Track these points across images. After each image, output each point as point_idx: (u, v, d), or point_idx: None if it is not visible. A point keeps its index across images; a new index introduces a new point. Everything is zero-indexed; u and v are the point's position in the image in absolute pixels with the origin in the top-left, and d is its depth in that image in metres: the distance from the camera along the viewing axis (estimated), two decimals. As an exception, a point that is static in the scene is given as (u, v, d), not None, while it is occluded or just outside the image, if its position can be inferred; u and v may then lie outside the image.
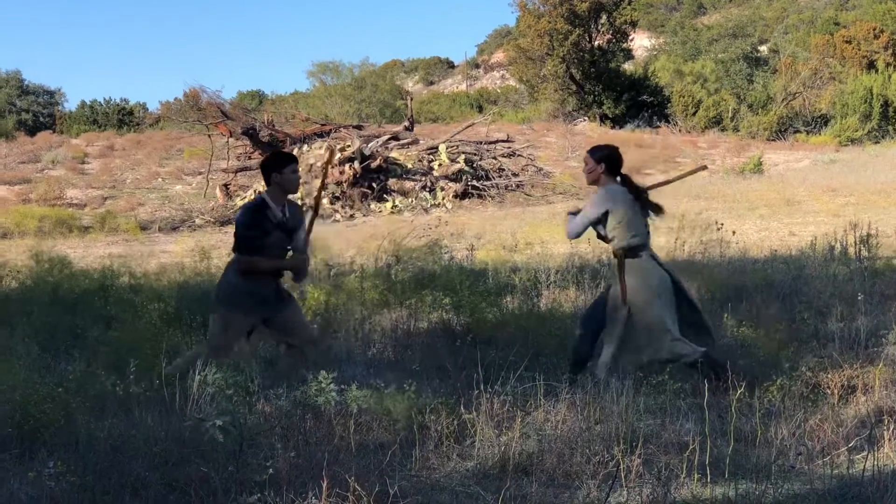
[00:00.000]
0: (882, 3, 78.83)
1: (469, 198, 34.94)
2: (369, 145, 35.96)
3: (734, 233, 16.90)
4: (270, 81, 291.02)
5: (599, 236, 8.91)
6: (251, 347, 9.00)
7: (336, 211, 32.10)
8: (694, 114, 62.97)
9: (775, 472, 6.16)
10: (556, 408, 7.29)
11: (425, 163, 36.38)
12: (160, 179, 40.30)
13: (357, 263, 14.51)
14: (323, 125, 41.23)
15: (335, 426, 6.89)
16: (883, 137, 57.27)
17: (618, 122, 62.18)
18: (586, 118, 62.90)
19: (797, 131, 61.15)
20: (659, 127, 60.04)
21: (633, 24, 68.82)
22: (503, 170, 37.32)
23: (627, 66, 73.55)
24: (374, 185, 33.83)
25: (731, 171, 41.10)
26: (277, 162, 8.68)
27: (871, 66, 67.74)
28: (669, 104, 64.83)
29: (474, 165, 36.54)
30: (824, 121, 62.38)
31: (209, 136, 40.13)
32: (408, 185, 34.60)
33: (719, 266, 14.56)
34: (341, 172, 33.32)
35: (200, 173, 39.34)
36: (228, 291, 8.50)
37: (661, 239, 17.54)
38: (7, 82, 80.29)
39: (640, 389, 7.73)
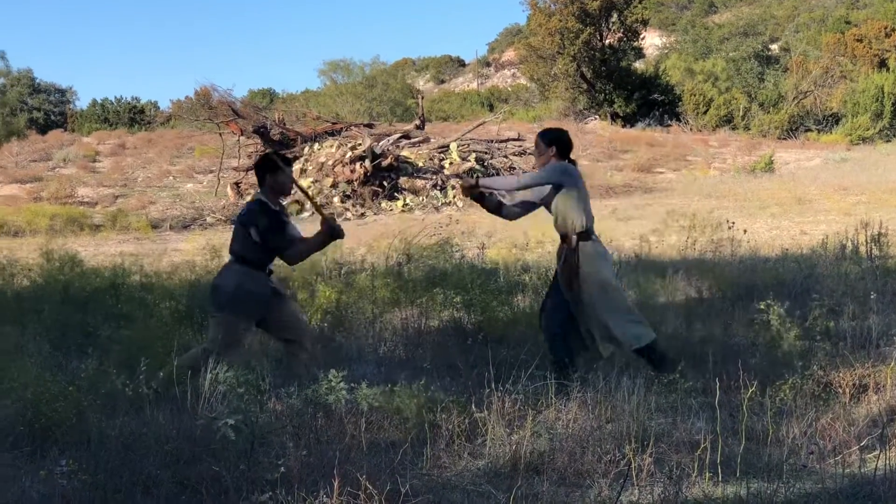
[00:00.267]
0: (893, 2, 78.67)
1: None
2: (380, 144, 36.00)
3: (745, 231, 16.88)
4: (281, 80, 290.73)
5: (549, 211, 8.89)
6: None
7: (347, 209, 32.10)
8: (705, 112, 62.84)
9: (787, 471, 6.15)
10: (567, 406, 7.28)
11: (436, 161, 36.38)
12: (171, 178, 40.36)
13: (368, 262, 14.53)
14: (334, 123, 41.26)
15: (346, 425, 6.89)
16: (894, 136, 57.09)
17: (629, 120, 62.06)
18: (597, 117, 62.78)
19: (808, 130, 61.02)
20: (670, 125, 59.89)
21: (644, 23, 68.65)
22: (514, 168, 37.26)
23: (638, 65, 73.45)
24: (384, 183, 33.83)
25: (742, 170, 41.07)
26: (271, 165, 8.78)
27: (883, 64, 67.53)
28: (680, 103, 64.69)
29: (485, 164, 36.51)
30: (835, 119, 62.20)
31: (220, 134, 40.16)
32: (419, 183, 34.59)
33: (730, 265, 14.53)
34: (352, 171, 33.34)
35: (211, 171, 39.38)
36: (229, 295, 8.54)
37: (673, 237, 17.58)
38: (19, 81, 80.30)
39: (651, 388, 7.71)
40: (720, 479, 5.97)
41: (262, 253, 8.61)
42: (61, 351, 9.52)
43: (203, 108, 43.27)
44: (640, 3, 66.20)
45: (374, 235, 21.09)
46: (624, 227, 23.10)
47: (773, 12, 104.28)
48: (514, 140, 40.44)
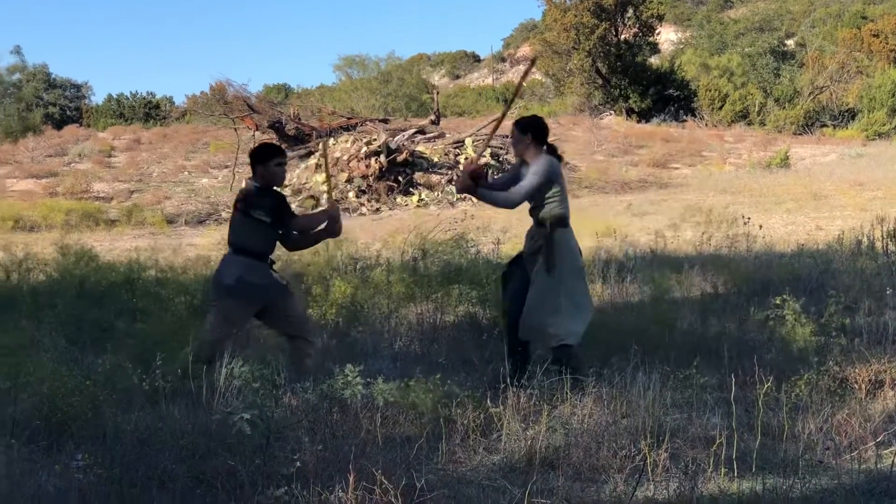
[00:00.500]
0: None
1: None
2: (395, 139, 35.99)
3: (761, 227, 16.86)
4: (296, 75, 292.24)
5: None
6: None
7: (362, 204, 32.09)
8: (720, 108, 62.72)
9: (803, 466, 6.15)
10: (582, 402, 7.29)
11: (451, 156, 36.34)
12: (186, 173, 40.37)
13: (383, 257, 14.53)
14: (349, 119, 41.32)
15: (362, 419, 6.90)
16: (911, 131, 56.98)
17: (644, 115, 61.97)
18: (612, 112, 62.77)
19: (824, 125, 60.89)
20: (685, 121, 59.82)
21: (660, 18, 68.56)
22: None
23: (654, 60, 73.38)
24: (400, 178, 33.80)
25: (757, 166, 40.96)
26: (263, 155, 8.75)
27: (899, 59, 67.47)
28: (696, 98, 64.58)
29: (500, 159, 36.45)
30: (851, 115, 62.03)
31: (235, 129, 40.16)
32: (434, 178, 34.56)
33: (746, 260, 14.51)
34: (367, 166, 33.33)
35: (227, 167, 39.37)
36: (230, 287, 8.54)
37: (688, 233, 17.56)
38: (34, 76, 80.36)
39: (666, 383, 7.71)
40: (735, 474, 5.96)
41: (262, 242, 8.59)
42: (77, 345, 9.52)
43: (218, 104, 43.36)
44: (655, -2, 66.23)
45: (389, 231, 21.10)
46: (639, 223, 23.08)
47: (788, 7, 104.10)
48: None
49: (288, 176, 29.87)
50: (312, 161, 34.66)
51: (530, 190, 8.59)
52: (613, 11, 63.93)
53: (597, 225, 18.89)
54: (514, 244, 17.26)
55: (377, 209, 32.10)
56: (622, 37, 65.63)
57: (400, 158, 34.16)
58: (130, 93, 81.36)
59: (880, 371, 8.28)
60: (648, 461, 5.98)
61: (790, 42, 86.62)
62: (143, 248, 17.13)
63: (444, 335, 10.32)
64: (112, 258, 16.07)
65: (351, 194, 32.43)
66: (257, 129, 38.43)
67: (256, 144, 9.33)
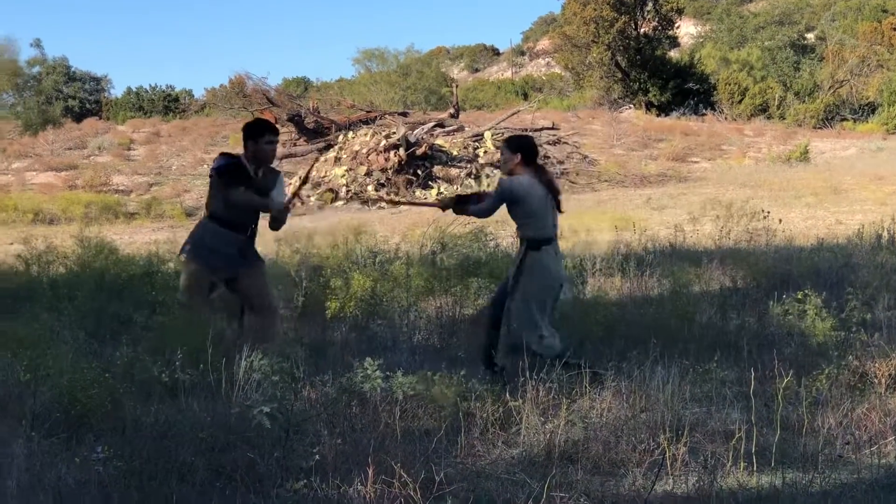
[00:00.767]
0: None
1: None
2: (414, 132, 35.95)
3: (780, 221, 16.83)
4: (316, 68, 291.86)
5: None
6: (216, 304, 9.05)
7: (381, 198, 32.08)
8: (740, 101, 62.64)
9: (822, 461, 6.14)
10: (601, 395, 7.29)
11: (470, 150, 36.27)
12: (205, 166, 40.29)
13: (402, 250, 14.54)
14: (368, 112, 41.32)
15: (381, 413, 6.90)
16: (931, 125, 56.80)
17: (663, 109, 61.90)
18: (632, 106, 62.64)
19: (844, 119, 60.78)
20: (705, 115, 59.66)
21: (679, 12, 68.50)
22: (548, 157, 37.12)
23: (673, 54, 73.24)
24: (419, 172, 33.75)
25: (777, 159, 40.92)
26: (254, 131, 8.79)
27: (920, 53, 67.23)
28: (715, 92, 64.49)
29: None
30: (871, 108, 61.89)
31: (254, 122, 40.13)
32: (453, 172, 34.51)
33: (765, 254, 14.48)
34: (386, 159, 33.31)
35: (246, 160, 39.36)
36: (193, 244, 8.72)
37: (708, 227, 17.53)
38: (54, 69, 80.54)
39: (685, 377, 7.70)
40: (755, 468, 5.95)
41: (226, 209, 8.62)
42: (96, 338, 9.55)
43: (237, 97, 43.46)
44: (674, -9, 66.11)
45: (408, 224, 21.13)
46: (658, 217, 23.07)
47: (808, 1, 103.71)
48: (548, 129, 40.27)
49: (306, 169, 29.80)
50: (332, 154, 34.65)
51: (491, 207, 8.77)
52: (633, 5, 63.92)
53: (616, 218, 18.88)
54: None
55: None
56: (642, 30, 65.61)
57: (419, 152, 34.10)
58: (150, 86, 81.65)
59: (900, 366, 8.26)
60: (667, 455, 5.98)
61: (810, 35, 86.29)
62: (163, 241, 17.11)
63: (463, 329, 10.32)
64: (131, 251, 16.12)
65: (370, 187, 32.41)
66: (276, 122, 38.37)
67: (251, 120, 9.30)
